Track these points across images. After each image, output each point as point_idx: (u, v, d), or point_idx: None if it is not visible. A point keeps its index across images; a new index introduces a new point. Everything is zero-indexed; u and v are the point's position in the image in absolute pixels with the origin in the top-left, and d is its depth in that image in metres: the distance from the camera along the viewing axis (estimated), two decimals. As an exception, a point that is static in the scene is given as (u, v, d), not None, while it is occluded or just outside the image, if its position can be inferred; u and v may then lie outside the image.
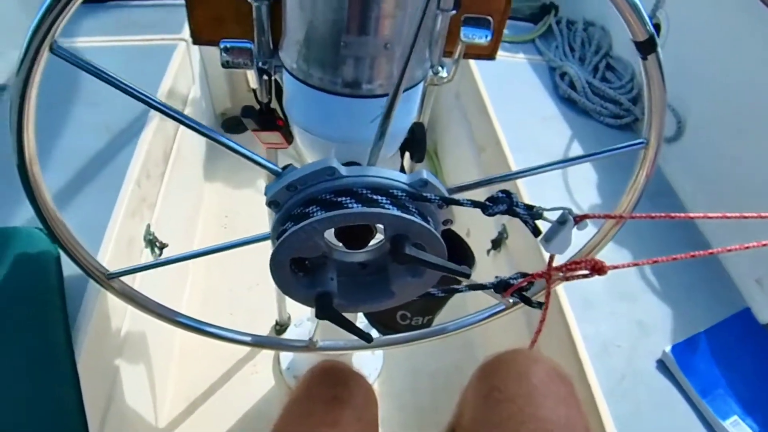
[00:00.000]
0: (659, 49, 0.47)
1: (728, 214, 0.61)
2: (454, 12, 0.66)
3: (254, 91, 0.75)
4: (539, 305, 0.66)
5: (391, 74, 0.58)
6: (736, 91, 1.39)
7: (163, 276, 1.27)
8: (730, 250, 0.62)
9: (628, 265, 0.58)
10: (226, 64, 0.59)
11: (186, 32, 1.64)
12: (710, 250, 0.61)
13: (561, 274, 0.59)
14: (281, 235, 0.49)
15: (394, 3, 0.50)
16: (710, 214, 0.62)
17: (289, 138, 0.79)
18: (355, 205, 0.47)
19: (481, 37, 0.61)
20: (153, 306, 0.69)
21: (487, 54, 0.75)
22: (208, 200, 1.98)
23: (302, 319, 1.61)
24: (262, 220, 1.84)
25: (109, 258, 1.00)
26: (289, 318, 1.63)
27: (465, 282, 0.66)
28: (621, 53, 1.81)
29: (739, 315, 1.20)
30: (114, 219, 1.06)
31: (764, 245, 0.63)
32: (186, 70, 1.65)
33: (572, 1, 1.99)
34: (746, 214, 0.61)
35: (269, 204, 0.51)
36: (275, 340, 0.83)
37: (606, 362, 1.03)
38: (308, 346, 0.80)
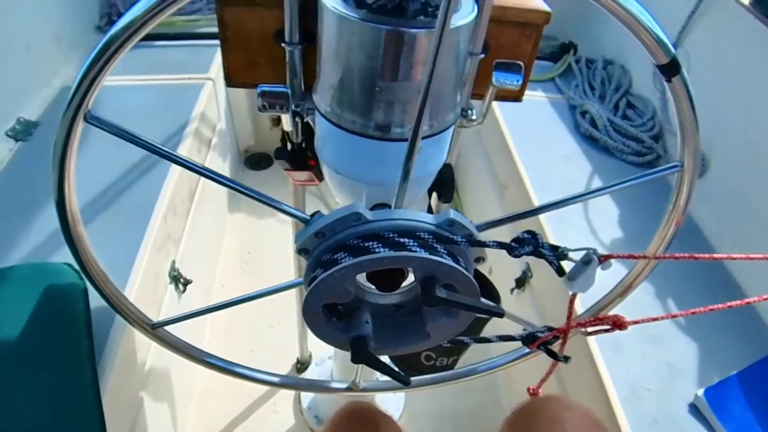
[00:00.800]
0: (683, 70, 0.46)
1: (752, 256, 0.60)
2: (482, 56, 0.68)
3: (285, 132, 0.77)
4: (565, 359, 0.65)
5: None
6: (761, 127, 1.38)
7: (186, 310, 1.28)
8: (766, 299, 0.61)
9: (651, 320, 0.57)
10: (263, 108, 0.60)
11: (212, 72, 1.69)
12: (746, 300, 0.59)
13: (582, 329, 0.59)
14: (312, 283, 0.49)
15: (428, 50, 0.51)
16: (734, 255, 0.61)
17: (319, 176, 0.80)
18: (382, 250, 0.47)
19: (512, 82, 0.62)
20: (194, 352, 0.70)
21: (515, 96, 0.76)
22: (230, 236, 2.00)
23: (323, 357, 1.60)
24: (285, 256, 1.86)
25: (135, 294, 1.01)
26: (311, 356, 1.62)
27: (496, 334, 0.66)
28: (641, 91, 1.82)
29: (772, 357, 1.17)
30: (141, 255, 1.08)
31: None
32: (212, 108, 1.69)
33: (591, 40, 2.02)
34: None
35: (299, 251, 0.52)
36: (317, 383, 0.82)
37: (637, 406, 1.00)
38: (351, 387, 0.79)
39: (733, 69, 1.46)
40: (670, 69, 0.45)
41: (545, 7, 0.69)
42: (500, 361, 0.76)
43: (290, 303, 1.42)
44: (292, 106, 0.64)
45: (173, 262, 1.25)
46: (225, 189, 2.08)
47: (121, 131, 0.47)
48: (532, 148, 1.59)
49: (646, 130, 1.70)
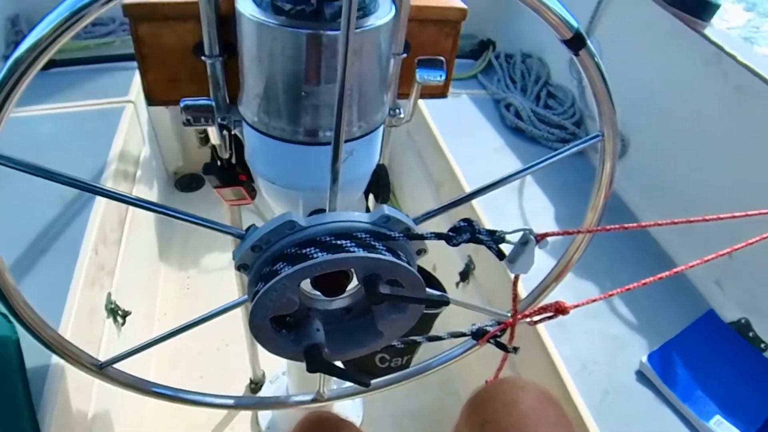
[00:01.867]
0: (589, 42, 0.48)
1: (676, 221, 0.63)
2: (404, 55, 0.69)
3: (214, 147, 0.75)
4: (514, 350, 0.67)
5: (351, 119, 0.59)
6: (670, 106, 1.48)
7: (129, 343, 1.22)
8: (692, 266, 0.65)
9: (590, 302, 0.59)
10: (187, 123, 0.59)
11: (132, 94, 1.63)
12: (674, 270, 0.62)
13: (528, 320, 0.61)
14: (255, 297, 0.48)
15: (351, 51, 0.52)
16: (660, 222, 0.64)
17: (252, 193, 0.78)
18: (319, 254, 0.46)
19: (436, 78, 0.63)
20: (144, 386, 0.66)
21: (440, 93, 0.78)
22: (168, 261, 1.93)
23: (277, 374, 1.57)
24: (226, 277, 1.81)
25: (71, 333, 0.95)
26: (264, 375, 1.58)
27: (447, 331, 0.67)
28: (559, 81, 1.90)
29: (704, 317, 1.25)
30: (73, 290, 1.02)
31: (721, 255, 0.66)
32: (135, 131, 1.63)
33: (508, 36, 2.09)
34: (691, 219, 0.64)
35: (238, 268, 0.51)
36: (282, 399, 0.80)
37: (587, 380, 1.04)
38: (316, 399, 0.77)
39: (641, 53, 1.56)
40: (576, 43, 0.47)
41: (461, 4, 0.70)
42: (454, 354, 0.77)
43: (237, 323, 1.39)
44: (218, 119, 0.62)
45: (109, 294, 1.19)
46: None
47: (35, 168, 0.43)
48: (463, 144, 1.62)
49: (567, 117, 1.78)
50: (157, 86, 0.67)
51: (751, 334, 1.23)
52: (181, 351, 1.64)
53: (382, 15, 0.54)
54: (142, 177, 1.61)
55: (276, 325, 0.53)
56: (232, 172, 0.75)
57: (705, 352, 1.16)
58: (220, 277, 1.86)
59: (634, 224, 0.64)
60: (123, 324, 1.23)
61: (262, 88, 0.56)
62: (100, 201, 1.23)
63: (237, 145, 0.73)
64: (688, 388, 1.07)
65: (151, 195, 1.79)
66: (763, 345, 1.22)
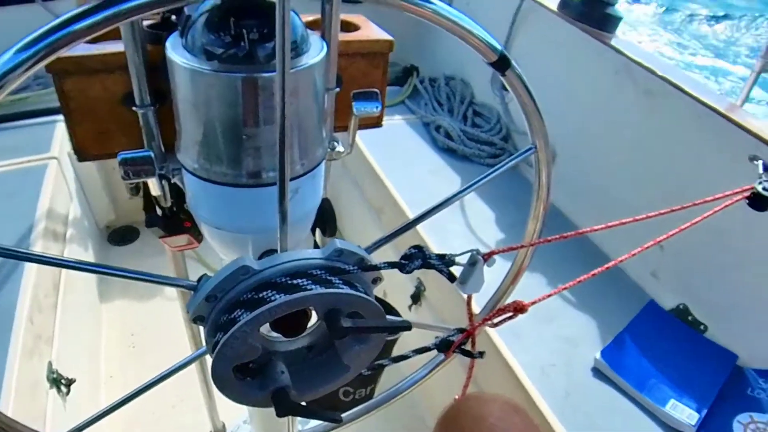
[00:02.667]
0: (513, 62, 0.50)
1: (609, 224, 0.67)
2: (338, 90, 0.70)
3: (153, 198, 0.73)
4: (480, 355, 0.68)
5: (293, 158, 0.59)
6: (589, 115, 1.57)
7: (76, 412, 1.15)
8: (623, 260, 0.68)
9: (545, 297, 0.62)
10: (126, 177, 0.57)
11: (55, 150, 1.57)
12: (608, 264, 0.65)
13: (489, 323, 0.63)
14: (215, 348, 0.47)
15: (288, 91, 0.52)
16: (595, 228, 0.68)
17: (198, 237, 0.77)
18: (277, 296, 0.46)
19: (372, 109, 0.64)
20: None
21: (376, 123, 0.79)
22: (109, 321, 1.84)
23: (238, 423, 1.51)
24: (174, 330, 1.74)
25: (13, 408, 0.89)
26: (224, 426, 1.52)
27: (412, 349, 0.67)
28: (483, 99, 1.98)
29: (646, 308, 1.32)
30: (10, 364, 0.96)
31: (648, 247, 0.70)
32: (61, 188, 1.56)
33: (430, 61, 2.16)
34: (624, 221, 0.68)
35: (194, 320, 0.49)
36: None
37: (547, 384, 1.07)
38: None
39: (556, 68, 1.65)
40: (502, 64, 0.49)
41: (387, 36, 0.73)
42: (421, 374, 0.78)
43: (190, 376, 1.33)
44: (157, 170, 0.61)
45: (49, 363, 1.13)
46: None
47: None
48: (398, 169, 1.65)
49: (495, 134, 1.86)
50: (86, 141, 0.65)
51: (690, 318, 1.31)
52: (135, 414, 1.55)
53: (314, 54, 0.55)
54: (73, 235, 1.54)
55: (239, 374, 0.51)
56: (175, 221, 0.74)
57: (652, 340, 1.22)
58: (166, 331, 1.78)
59: (572, 232, 0.67)
60: (68, 393, 1.16)
61: (200, 135, 0.55)
62: (30, 267, 1.17)
63: (177, 192, 0.72)
64: (641, 377, 1.12)
65: (85, 253, 1.71)
66: (702, 326, 1.29)
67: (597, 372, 1.14)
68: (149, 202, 0.76)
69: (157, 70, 0.58)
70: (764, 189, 0.96)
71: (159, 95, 0.60)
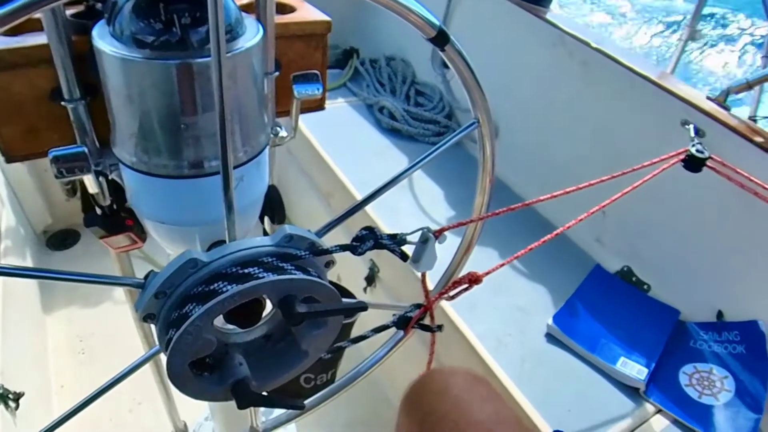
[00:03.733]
0: (452, 38, 0.50)
1: (554, 194, 0.68)
2: (277, 74, 0.69)
3: (91, 196, 0.70)
4: (439, 328, 0.69)
5: (236, 145, 0.58)
6: (529, 88, 1.60)
7: (29, 427, 1.10)
8: (569, 227, 0.71)
9: (498, 267, 0.63)
10: (60, 175, 0.54)
11: None
12: (555, 232, 0.68)
13: (448, 294, 0.63)
14: (168, 345, 0.45)
15: (225, 76, 0.51)
16: (540, 198, 0.69)
17: (142, 236, 0.74)
18: (229, 287, 0.45)
19: (313, 91, 0.63)
20: None
21: (318, 106, 0.78)
22: (54, 329, 1.76)
23: (200, 421, 1.49)
24: (124, 332, 1.68)
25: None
26: (185, 425, 1.50)
27: (371, 328, 0.67)
28: (425, 78, 1.99)
29: (593, 272, 1.37)
30: None
31: (592, 213, 0.73)
32: None
33: (370, 42, 2.14)
34: (567, 190, 0.70)
35: (144, 319, 0.48)
36: None
37: (504, 353, 1.10)
38: None
39: (494, 43, 1.67)
40: (441, 39, 0.49)
41: (324, 17, 0.71)
42: (381, 353, 0.78)
43: (145, 377, 1.30)
44: (93, 166, 0.58)
45: (-7, 379, 1.07)
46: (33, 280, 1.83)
47: None
48: (344, 152, 1.65)
49: (438, 112, 1.87)
50: (13, 141, 0.61)
51: (634, 279, 1.37)
52: (92, 422, 1.50)
53: (250, 36, 0.53)
54: (8, 243, 1.46)
55: (196, 370, 0.50)
56: (116, 219, 0.70)
57: (600, 303, 1.27)
58: (116, 334, 1.72)
59: (519, 204, 0.68)
60: (17, 408, 1.11)
61: (136, 127, 0.53)
62: (-37, 278, 1.11)
63: (116, 189, 0.69)
64: (592, 338, 1.17)
65: (23, 261, 1.63)
66: (646, 286, 1.36)
67: (550, 337, 1.18)
68: (88, 201, 0.73)
69: (85, 62, 0.55)
70: (698, 151, 1.02)
71: (89, 88, 0.57)
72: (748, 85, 1.24)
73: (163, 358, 0.48)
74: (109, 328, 1.77)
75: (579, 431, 1.00)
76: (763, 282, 1.16)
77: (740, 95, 1.27)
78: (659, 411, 1.07)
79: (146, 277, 0.48)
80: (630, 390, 1.10)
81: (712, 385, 1.10)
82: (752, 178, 0.97)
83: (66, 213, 2.01)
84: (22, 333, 1.41)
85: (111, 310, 1.82)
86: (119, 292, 1.83)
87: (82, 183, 0.71)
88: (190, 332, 0.45)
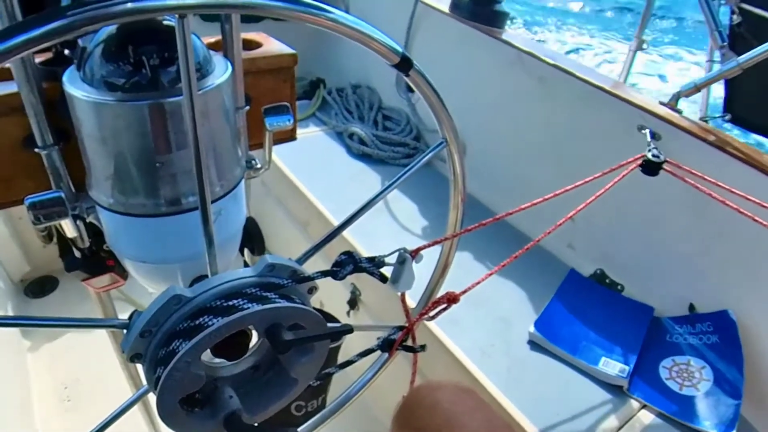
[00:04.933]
0: (415, 63, 0.52)
1: (522, 207, 0.71)
2: (247, 108, 0.71)
3: (69, 240, 0.70)
4: (422, 348, 0.71)
5: (212, 180, 0.59)
6: (490, 107, 1.66)
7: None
8: (541, 239, 0.73)
9: (474, 285, 0.65)
10: (37, 221, 0.55)
11: None
12: (528, 245, 0.69)
13: (428, 315, 0.65)
14: (157, 384, 0.46)
15: (198, 114, 0.53)
16: (511, 211, 0.72)
17: (123, 274, 0.75)
18: (215, 321, 0.46)
19: (284, 122, 0.65)
20: None
21: (290, 136, 0.80)
22: (38, 377, 1.72)
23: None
24: (111, 376, 1.65)
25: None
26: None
27: (356, 353, 0.68)
28: (391, 103, 2.03)
29: (568, 277, 1.40)
30: None
31: (561, 224, 0.76)
32: None
33: (335, 72, 2.19)
34: (535, 201, 0.73)
35: (131, 359, 0.48)
36: None
37: (489, 363, 1.12)
38: None
39: (454, 65, 1.72)
40: (404, 65, 0.51)
41: (291, 50, 0.74)
42: (368, 376, 0.79)
43: (134, 419, 1.28)
44: (70, 210, 0.59)
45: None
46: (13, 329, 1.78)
47: None
48: (318, 180, 1.67)
49: (406, 135, 1.91)
50: None
51: (607, 280, 1.41)
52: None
53: (220, 73, 0.55)
54: None
55: (187, 407, 0.50)
56: (96, 260, 0.71)
57: (577, 306, 1.30)
58: (101, 378, 1.69)
59: (490, 219, 0.70)
60: (1, 463, 1.08)
61: (112, 169, 0.54)
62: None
63: (94, 231, 0.69)
64: (573, 341, 1.19)
65: (2, 310, 1.59)
66: (619, 287, 1.40)
67: (533, 344, 1.21)
68: (65, 246, 0.73)
69: (56, 108, 0.56)
70: (654, 156, 1.06)
71: (61, 133, 0.59)
72: (697, 88, 1.30)
73: (152, 399, 0.48)
74: (94, 374, 1.73)
75: None
76: (729, 273, 1.21)
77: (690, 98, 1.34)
78: (644, 406, 1.10)
79: (130, 317, 0.48)
80: (614, 388, 1.12)
81: (691, 376, 1.13)
82: (707, 177, 1.02)
83: (43, 260, 1.98)
84: (4, 383, 1.37)
85: (95, 356, 1.78)
86: (102, 337, 1.79)
87: (58, 228, 0.71)
88: (178, 368, 0.45)
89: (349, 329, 0.58)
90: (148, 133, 0.51)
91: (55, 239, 0.77)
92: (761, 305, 1.15)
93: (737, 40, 1.41)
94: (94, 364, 1.75)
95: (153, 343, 0.47)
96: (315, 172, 1.72)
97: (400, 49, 0.50)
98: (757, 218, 0.89)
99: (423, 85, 0.54)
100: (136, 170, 0.54)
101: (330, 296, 1.60)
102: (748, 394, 1.08)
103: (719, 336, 1.17)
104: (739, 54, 1.22)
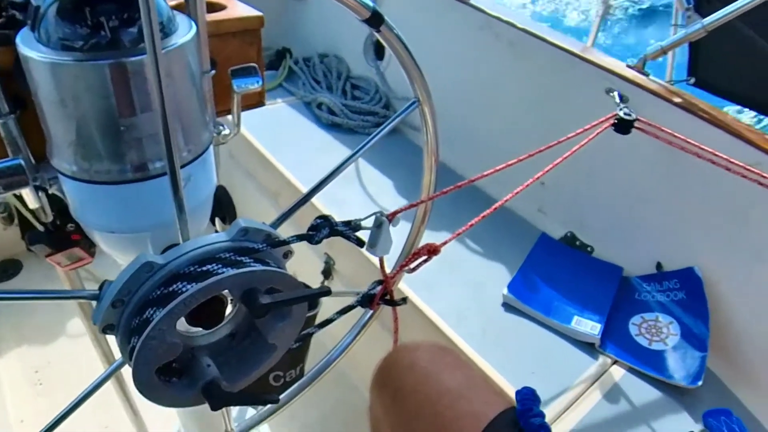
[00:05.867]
0: (386, 18, 0.51)
1: (498, 168, 0.71)
2: (213, 72, 0.68)
3: (32, 213, 0.68)
4: (404, 301, 0.70)
5: (179, 144, 0.57)
6: (462, 71, 1.65)
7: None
8: (508, 199, 0.73)
9: (455, 237, 0.65)
10: None
11: None
12: (497, 204, 0.70)
13: (408, 267, 0.65)
14: (132, 354, 0.45)
15: (162, 73, 0.50)
16: (484, 174, 0.72)
17: (91, 250, 0.72)
18: (189, 286, 0.44)
19: (253, 84, 0.63)
20: None
21: (258, 102, 0.78)
22: (6, 364, 1.68)
23: (173, 433, 1.46)
24: (83, 355, 1.63)
25: None
26: (157, 441, 1.46)
27: (334, 312, 0.68)
28: (359, 72, 2.00)
29: (540, 241, 1.43)
30: None
31: (529, 184, 0.76)
32: None
33: (301, 41, 2.14)
34: (509, 163, 0.73)
35: (104, 330, 0.47)
36: None
37: (465, 326, 1.14)
38: None
39: (426, 30, 1.70)
40: (375, 20, 0.50)
41: (257, 12, 0.72)
42: (349, 339, 0.79)
43: (109, 397, 1.26)
44: (31, 180, 0.57)
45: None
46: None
47: None
48: (287, 151, 1.64)
49: (375, 103, 1.89)
50: None
51: (578, 242, 1.44)
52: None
53: (183, 33, 0.53)
54: None
55: (164, 377, 0.49)
56: (61, 234, 0.69)
57: (549, 268, 1.33)
58: (73, 360, 1.67)
59: (465, 181, 0.70)
60: (-30, 448, 1.06)
61: (74, 134, 0.52)
62: None
63: (58, 206, 0.67)
64: (546, 302, 1.22)
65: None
66: (589, 248, 1.42)
67: (507, 306, 1.23)
68: (27, 225, 0.70)
69: (10, 74, 0.53)
70: (625, 114, 1.07)
71: (17, 101, 0.56)
72: (663, 51, 1.31)
73: (127, 377, 0.47)
74: (65, 356, 1.70)
75: (544, 390, 1.05)
76: (694, 231, 1.24)
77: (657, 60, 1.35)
78: (615, 362, 1.13)
79: (100, 287, 0.47)
80: (586, 346, 1.16)
81: (659, 331, 1.17)
82: (676, 134, 1.03)
83: (5, 243, 1.92)
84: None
85: (65, 337, 1.75)
86: (72, 319, 1.76)
87: (18, 210, 0.68)
88: (153, 337, 0.44)
89: (326, 291, 0.58)
90: (110, 95, 0.49)
91: (16, 221, 0.74)
92: (725, 261, 1.19)
93: (702, 2, 1.43)
94: (65, 345, 1.72)
95: (126, 313, 0.46)
96: (284, 143, 1.69)
97: (371, 4, 0.49)
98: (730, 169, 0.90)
99: (394, 41, 0.53)
100: (99, 135, 0.52)
101: (304, 266, 1.60)
102: (714, 347, 1.12)
103: (686, 292, 1.20)
104: (704, 16, 1.23)
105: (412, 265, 0.64)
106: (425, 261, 0.64)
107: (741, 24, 1.34)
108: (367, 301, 0.68)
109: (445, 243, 0.62)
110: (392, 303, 0.70)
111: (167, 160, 0.45)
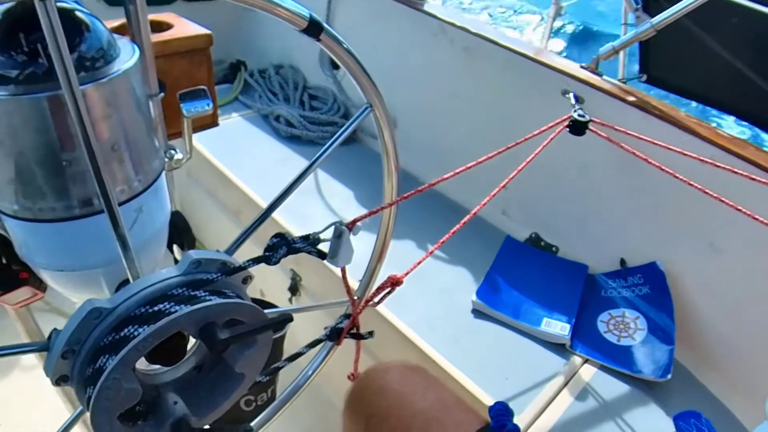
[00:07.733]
0: (326, 25, 0.50)
1: (458, 170, 0.70)
2: (162, 95, 0.66)
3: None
4: (370, 334, 0.69)
5: (128, 175, 0.55)
6: (417, 78, 1.65)
7: None
8: (476, 212, 0.72)
9: (416, 265, 0.64)
10: None
11: None
12: (466, 217, 0.69)
13: (373, 301, 0.64)
14: (90, 404, 0.42)
15: (104, 103, 0.48)
16: (444, 177, 0.70)
17: (42, 286, 0.69)
18: (140, 330, 0.42)
19: (203, 107, 0.61)
20: None
21: (211, 122, 0.76)
22: None
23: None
24: (46, 395, 1.55)
25: None
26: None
27: (303, 346, 0.66)
28: (316, 82, 1.98)
29: (505, 244, 1.43)
30: None
31: (496, 193, 0.76)
32: None
33: (256, 53, 2.11)
34: (468, 165, 0.72)
35: (56, 382, 0.44)
36: None
37: (436, 335, 1.13)
38: None
39: (379, 38, 1.70)
40: (314, 29, 0.48)
41: (204, 30, 0.69)
42: (316, 364, 0.77)
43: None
44: (-31, 222, 0.53)
45: None
46: None
47: None
48: (247, 167, 1.61)
49: (334, 113, 1.87)
50: None
51: (542, 243, 1.45)
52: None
53: (126, 58, 0.51)
54: None
55: (128, 422, 0.47)
56: (8, 274, 0.65)
57: (516, 271, 1.33)
58: (35, 398, 1.59)
59: (425, 185, 0.69)
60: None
61: (13, 172, 0.49)
62: None
63: (2, 243, 0.63)
64: (515, 306, 1.22)
65: None
66: (554, 248, 1.44)
67: (477, 312, 1.23)
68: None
69: None
70: (579, 116, 1.09)
71: None
72: (615, 51, 1.34)
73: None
74: (27, 394, 1.62)
75: (518, 394, 1.05)
76: (654, 226, 1.27)
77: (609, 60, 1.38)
78: (586, 361, 1.14)
79: (49, 337, 0.44)
80: (557, 347, 1.16)
81: (627, 327, 1.18)
82: (630, 132, 1.05)
83: None
84: None
85: (24, 374, 1.67)
86: (27, 357, 1.68)
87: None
88: (108, 387, 0.42)
89: (288, 318, 0.56)
90: (49, 129, 0.46)
91: None
92: (685, 253, 1.22)
93: (650, 2, 1.46)
94: (26, 384, 1.64)
95: (78, 363, 0.43)
96: (243, 159, 1.66)
97: (306, 13, 0.47)
98: (678, 176, 0.92)
99: (337, 48, 0.51)
100: (40, 171, 0.49)
101: (269, 284, 1.57)
102: (680, 338, 1.14)
103: (650, 287, 1.23)
104: (653, 16, 1.26)
105: (376, 299, 0.63)
106: (389, 293, 0.63)
107: (688, 22, 1.38)
108: (334, 335, 0.67)
109: (408, 273, 0.62)
110: (359, 337, 0.68)
111: (101, 196, 0.43)
